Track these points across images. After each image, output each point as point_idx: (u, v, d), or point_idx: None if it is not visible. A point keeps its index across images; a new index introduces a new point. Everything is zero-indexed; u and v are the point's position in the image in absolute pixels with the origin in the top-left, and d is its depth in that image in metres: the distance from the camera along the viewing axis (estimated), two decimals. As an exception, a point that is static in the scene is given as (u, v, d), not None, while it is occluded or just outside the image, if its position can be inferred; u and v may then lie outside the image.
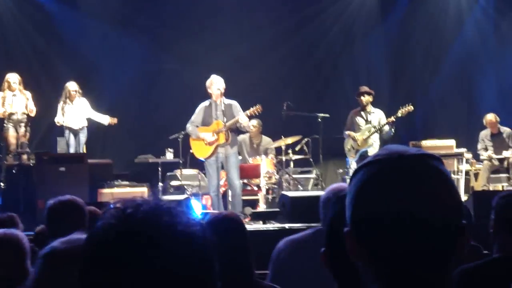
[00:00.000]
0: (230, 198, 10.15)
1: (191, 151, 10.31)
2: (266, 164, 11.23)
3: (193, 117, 9.92)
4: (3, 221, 4.54)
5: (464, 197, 9.81)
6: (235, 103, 9.83)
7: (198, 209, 9.89)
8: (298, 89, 14.27)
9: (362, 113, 11.14)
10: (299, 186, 11.65)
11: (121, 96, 13.12)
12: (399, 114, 10.89)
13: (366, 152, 10.78)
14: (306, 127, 12.25)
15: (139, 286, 1.08)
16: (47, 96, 11.85)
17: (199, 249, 1.14)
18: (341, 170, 12.08)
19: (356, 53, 15.05)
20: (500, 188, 11.37)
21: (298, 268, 3.75)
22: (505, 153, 11.94)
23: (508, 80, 14.40)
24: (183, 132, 10.72)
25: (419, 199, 1.22)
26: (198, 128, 9.85)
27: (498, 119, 12.25)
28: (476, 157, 12.29)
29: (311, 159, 12.08)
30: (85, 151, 11.03)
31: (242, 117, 9.65)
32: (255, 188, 11.28)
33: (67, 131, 11.05)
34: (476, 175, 12.09)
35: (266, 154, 11.76)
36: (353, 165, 11.07)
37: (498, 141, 12.10)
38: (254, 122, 11.76)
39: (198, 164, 10.98)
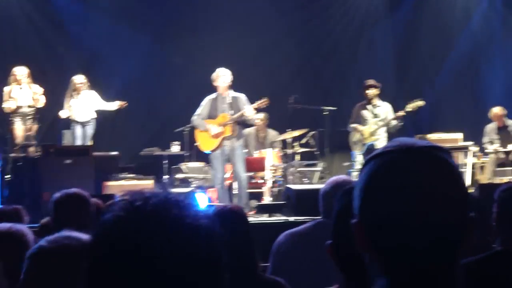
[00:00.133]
0: (235, 191, 10.16)
1: (196, 143, 10.31)
2: (271, 157, 11.23)
3: (199, 110, 9.89)
4: (9, 213, 4.54)
5: (469, 190, 9.78)
6: (242, 96, 9.81)
7: (204, 202, 9.90)
8: (304, 82, 14.28)
9: (369, 106, 11.10)
10: (304, 179, 11.65)
11: (127, 89, 13.12)
12: (408, 109, 10.83)
13: (373, 145, 10.76)
14: (312, 120, 12.24)
15: (148, 279, 1.09)
16: (53, 89, 11.86)
17: (207, 242, 1.14)
18: (347, 163, 12.07)
19: (363, 46, 15.04)
20: (506, 181, 11.35)
21: (299, 261, 3.76)
22: (511, 147, 11.91)
23: (515, 73, 14.38)
24: (189, 125, 10.73)
25: (427, 191, 1.22)
26: (205, 121, 9.85)
27: (504, 112, 12.22)
28: (482, 150, 12.27)
29: (317, 152, 12.08)
30: (91, 143, 11.06)
31: (248, 110, 9.62)
32: (261, 181, 11.28)
33: (74, 124, 11.09)
34: (482, 168, 12.06)
35: (272, 147, 11.76)
36: (358, 158, 11.06)
37: (504, 134, 12.08)
38: (261, 115, 11.75)
39: (204, 157, 10.98)
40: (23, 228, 2.95)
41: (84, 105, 11.05)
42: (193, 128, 10.31)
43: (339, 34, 14.99)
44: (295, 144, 11.70)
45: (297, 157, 11.85)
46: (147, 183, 10.64)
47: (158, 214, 1.12)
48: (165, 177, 11.63)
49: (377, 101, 11.08)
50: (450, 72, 14.74)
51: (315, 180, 12.02)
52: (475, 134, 12.47)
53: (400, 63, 15.04)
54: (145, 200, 1.14)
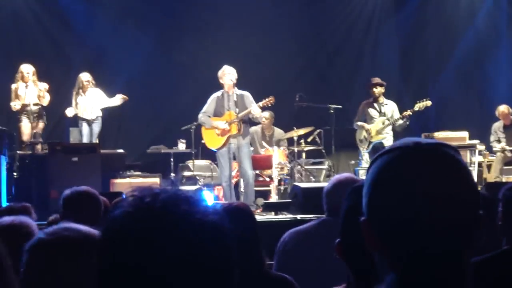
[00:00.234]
0: (242, 189, 10.16)
1: (203, 141, 10.31)
2: (278, 155, 11.23)
3: (205, 107, 9.89)
4: (17, 210, 4.54)
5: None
6: (247, 94, 9.80)
7: (210, 199, 9.90)
8: (310, 81, 14.27)
9: (375, 104, 11.09)
10: (311, 177, 11.64)
11: (133, 87, 13.12)
12: (416, 108, 10.79)
13: (379, 143, 10.74)
14: (318, 119, 12.23)
15: (158, 275, 1.09)
16: (59, 87, 11.89)
17: (217, 237, 1.14)
18: (353, 161, 12.07)
19: (368, 45, 15.03)
20: (513, 180, 11.32)
21: (304, 259, 3.75)
22: (518, 145, 11.89)
23: (521, 71, 14.34)
24: (195, 123, 10.72)
25: (435, 188, 1.22)
26: (211, 118, 9.85)
27: (511, 110, 12.19)
28: (489, 148, 12.24)
29: (323, 150, 12.06)
30: (98, 141, 11.07)
31: (254, 108, 9.62)
32: (267, 179, 11.28)
33: (80, 122, 11.11)
34: (489, 167, 12.03)
35: (278, 145, 11.76)
36: (365, 157, 11.05)
37: (511, 132, 12.04)
38: (266, 114, 11.75)
39: (210, 155, 10.98)
40: (27, 220, 2.93)
41: (91, 102, 11.07)
42: (199, 126, 10.31)
43: (344, 33, 14.97)
44: (301, 142, 11.69)
45: (304, 155, 11.84)
46: (154, 181, 10.66)
47: (168, 210, 1.12)
48: (172, 175, 11.63)
49: (383, 99, 11.08)
50: (455, 71, 14.71)
51: (321, 178, 12.01)
52: (481, 133, 12.45)
53: (405, 62, 15.02)
54: (154, 196, 1.14)
